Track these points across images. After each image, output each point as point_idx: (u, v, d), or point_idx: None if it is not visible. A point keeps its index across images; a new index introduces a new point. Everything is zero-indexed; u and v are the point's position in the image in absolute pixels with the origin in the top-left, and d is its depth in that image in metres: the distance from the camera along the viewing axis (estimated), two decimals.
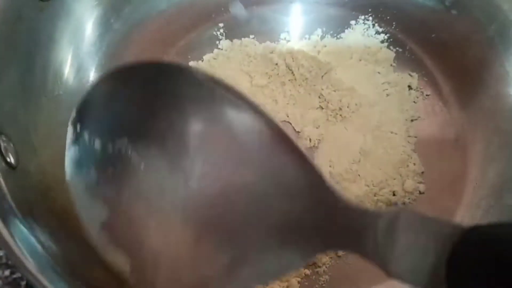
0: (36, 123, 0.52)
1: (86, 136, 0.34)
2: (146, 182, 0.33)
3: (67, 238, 0.49)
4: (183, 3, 0.67)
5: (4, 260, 0.54)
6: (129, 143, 0.32)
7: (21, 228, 0.42)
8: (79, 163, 0.35)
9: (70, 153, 0.36)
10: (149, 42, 0.65)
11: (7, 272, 0.53)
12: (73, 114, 0.35)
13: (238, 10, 0.68)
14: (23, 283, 0.53)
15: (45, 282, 0.36)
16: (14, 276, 0.53)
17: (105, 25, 0.61)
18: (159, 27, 0.66)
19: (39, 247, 0.42)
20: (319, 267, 0.53)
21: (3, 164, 0.43)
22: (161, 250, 0.32)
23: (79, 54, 0.59)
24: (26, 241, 0.40)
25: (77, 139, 0.35)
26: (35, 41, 0.53)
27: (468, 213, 0.56)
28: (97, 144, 0.34)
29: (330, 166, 0.58)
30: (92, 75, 0.61)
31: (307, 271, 0.53)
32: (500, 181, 0.55)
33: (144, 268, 0.33)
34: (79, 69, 0.59)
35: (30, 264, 0.38)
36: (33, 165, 0.49)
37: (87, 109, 0.34)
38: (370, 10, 0.68)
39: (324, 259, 0.54)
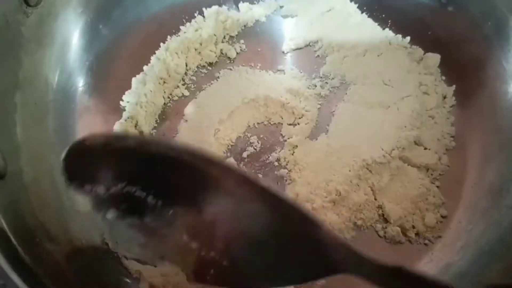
0: (25, 130, 0.51)
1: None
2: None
3: (55, 247, 0.48)
4: (175, 4, 0.66)
5: None
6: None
7: (8, 239, 0.41)
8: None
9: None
10: (140, 45, 0.64)
11: None
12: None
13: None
14: None
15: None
16: (1, 282, 0.53)
17: (94, 30, 0.61)
18: (150, 30, 0.65)
19: (25, 257, 0.41)
20: None
21: None
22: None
23: (68, 60, 0.59)
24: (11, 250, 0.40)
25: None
26: (23, 47, 0.52)
27: (466, 213, 0.55)
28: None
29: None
30: (82, 81, 0.61)
31: None
32: (499, 182, 0.54)
33: None
34: (70, 75, 0.59)
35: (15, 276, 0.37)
36: (23, 174, 0.49)
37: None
38: (364, 8, 0.67)
39: None
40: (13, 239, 0.41)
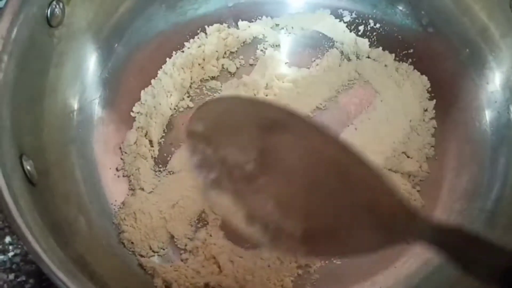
0: (50, 141, 0.56)
1: None
2: None
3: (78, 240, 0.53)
4: (179, 22, 0.72)
5: (8, 265, 0.58)
6: None
7: (43, 235, 0.45)
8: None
9: None
10: (148, 60, 0.69)
11: (11, 276, 0.57)
12: None
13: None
14: (27, 286, 0.57)
15: (64, 279, 0.41)
16: (19, 279, 0.57)
17: (109, 48, 0.66)
18: (157, 47, 0.70)
19: (58, 249, 0.45)
20: (310, 267, 0.59)
21: (26, 181, 0.47)
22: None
23: (85, 74, 0.64)
24: (47, 243, 0.44)
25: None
26: (46, 64, 0.56)
27: (443, 215, 0.61)
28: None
29: None
30: (97, 94, 0.65)
31: (299, 271, 0.58)
32: (472, 187, 0.61)
33: None
34: (86, 88, 0.64)
35: (50, 262, 0.41)
36: (49, 180, 0.53)
37: None
38: (352, 27, 0.73)
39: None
40: (49, 236, 0.45)
